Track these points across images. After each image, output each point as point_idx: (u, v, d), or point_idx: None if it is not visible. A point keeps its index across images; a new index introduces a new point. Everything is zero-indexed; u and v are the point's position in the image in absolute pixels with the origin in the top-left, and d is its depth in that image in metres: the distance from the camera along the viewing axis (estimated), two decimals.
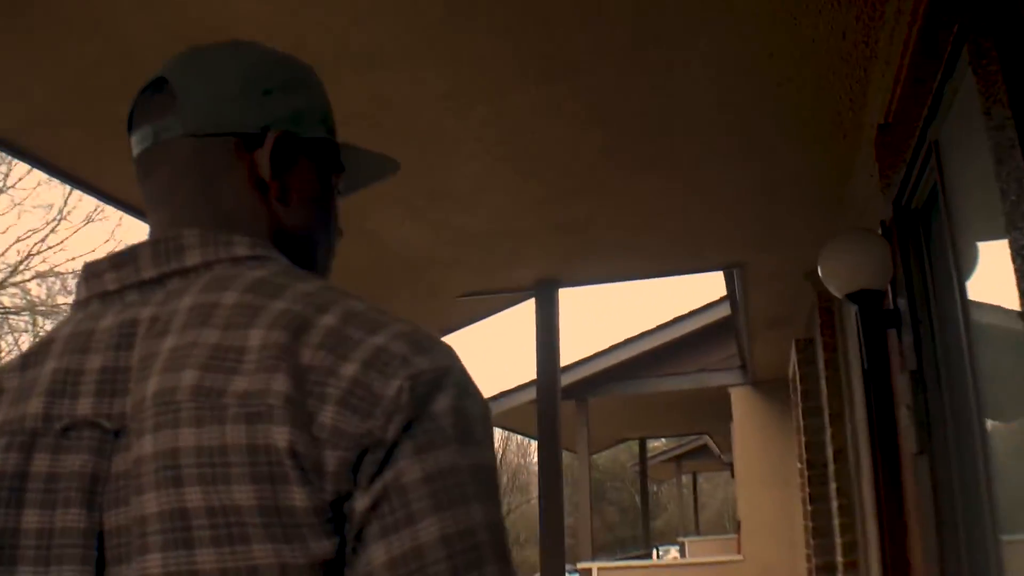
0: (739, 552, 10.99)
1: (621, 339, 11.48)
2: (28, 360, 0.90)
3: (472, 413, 0.80)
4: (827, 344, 6.01)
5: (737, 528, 11.13)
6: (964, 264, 2.76)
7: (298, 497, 0.73)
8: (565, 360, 11.70)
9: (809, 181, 4.61)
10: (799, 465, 8.32)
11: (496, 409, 11.89)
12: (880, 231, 3.75)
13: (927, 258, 3.29)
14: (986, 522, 3.02)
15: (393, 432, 0.75)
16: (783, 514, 10.26)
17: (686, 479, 27.71)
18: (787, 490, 10.28)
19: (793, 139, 4.08)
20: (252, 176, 0.96)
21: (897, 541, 4.53)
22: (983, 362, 2.73)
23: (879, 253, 3.53)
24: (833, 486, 6.09)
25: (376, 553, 0.74)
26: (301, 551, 0.73)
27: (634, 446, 19.87)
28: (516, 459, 41.86)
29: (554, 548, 5.64)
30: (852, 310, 5.35)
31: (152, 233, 0.96)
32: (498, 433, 25.23)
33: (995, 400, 2.70)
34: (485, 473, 0.78)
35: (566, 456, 13.02)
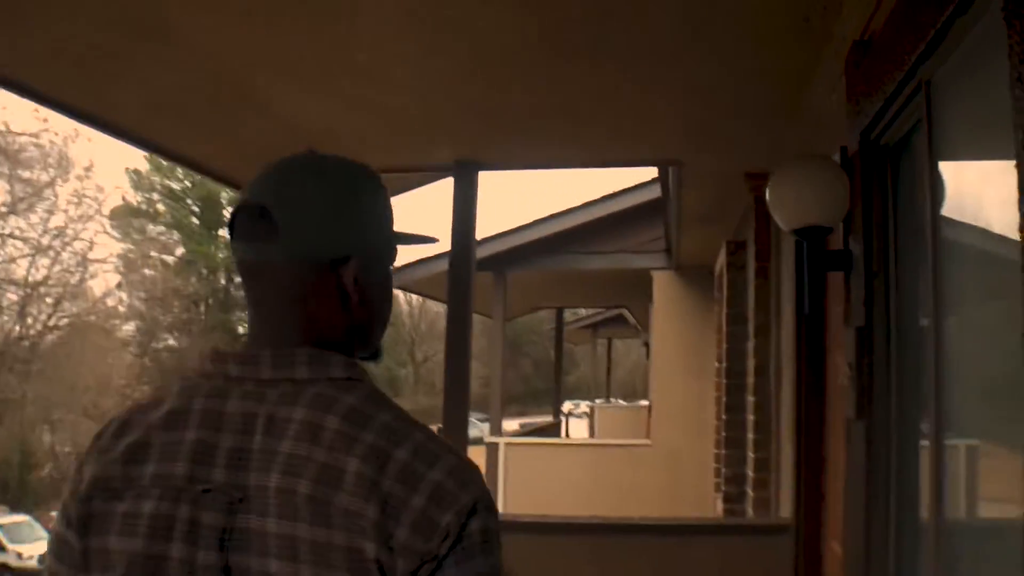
0: (648, 436, 10.94)
1: (545, 214, 11.06)
2: (170, 422, 1.18)
3: (491, 528, 1.15)
4: (760, 251, 5.67)
5: (648, 411, 11.05)
6: (943, 227, 2.36)
7: None
8: (486, 232, 11.35)
9: (761, 83, 4.14)
10: (716, 364, 8.12)
11: (411, 276, 11.48)
12: (839, 158, 3.33)
13: (892, 203, 2.89)
14: (920, 507, 2.74)
15: (444, 550, 1.10)
16: (695, 403, 10.16)
17: (601, 343, 27.94)
18: (701, 379, 10.16)
19: (749, 36, 3.59)
20: (338, 287, 1.25)
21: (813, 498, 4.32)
22: (950, 331, 2.35)
23: (838, 187, 3.12)
24: (750, 399, 5.86)
25: None
26: None
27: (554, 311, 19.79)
28: (436, 307, 41.82)
29: (457, 412, 5.43)
30: (791, 240, 5.01)
31: (255, 337, 1.25)
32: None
33: (957, 377, 2.34)
34: (498, 570, 1.13)
35: (484, 318, 12.79)
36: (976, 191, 2.27)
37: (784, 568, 4.60)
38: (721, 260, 6.60)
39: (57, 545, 1.19)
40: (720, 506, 7.04)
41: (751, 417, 5.86)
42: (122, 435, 1.19)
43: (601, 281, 12.99)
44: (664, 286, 10.69)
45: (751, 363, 5.84)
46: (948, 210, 2.34)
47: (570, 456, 10.89)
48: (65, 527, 1.17)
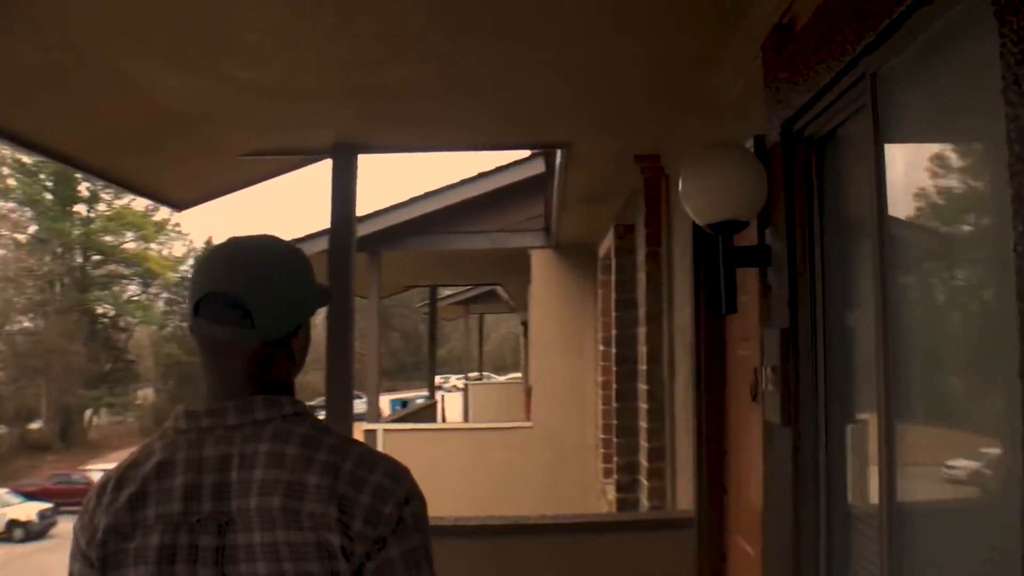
0: (528, 418, 10.82)
1: (420, 192, 10.75)
2: (161, 472, 1.46)
3: (420, 512, 1.47)
4: (651, 236, 5.53)
5: (527, 394, 10.91)
6: (889, 223, 2.20)
7: (342, 568, 1.38)
8: (359, 211, 10.92)
9: (662, 65, 3.96)
10: (602, 347, 8.01)
11: None
12: (752, 146, 3.17)
13: (818, 198, 2.74)
14: (851, 520, 2.62)
15: (387, 533, 1.41)
16: (575, 384, 10.07)
17: (473, 318, 27.79)
18: (581, 360, 10.07)
19: (651, 17, 3.39)
20: (288, 352, 1.56)
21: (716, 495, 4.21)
22: (897, 325, 2.19)
23: (756, 180, 2.96)
24: (643, 387, 5.74)
25: None
26: None
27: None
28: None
29: (341, 393, 5.16)
30: (687, 225, 4.87)
31: (217, 393, 1.52)
32: None
33: (905, 370, 2.18)
34: (426, 547, 1.47)
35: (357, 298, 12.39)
36: (925, 184, 2.12)
37: (686, 563, 4.50)
38: (608, 243, 6.46)
39: None
40: (612, 494, 6.94)
41: (644, 405, 5.74)
42: (121, 488, 1.47)
43: (477, 259, 12.76)
44: (543, 265, 10.53)
45: (643, 350, 5.72)
46: (893, 204, 2.19)
47: (450, 441, 10.67)
48: (88, 568, 1.46)
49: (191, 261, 47.29)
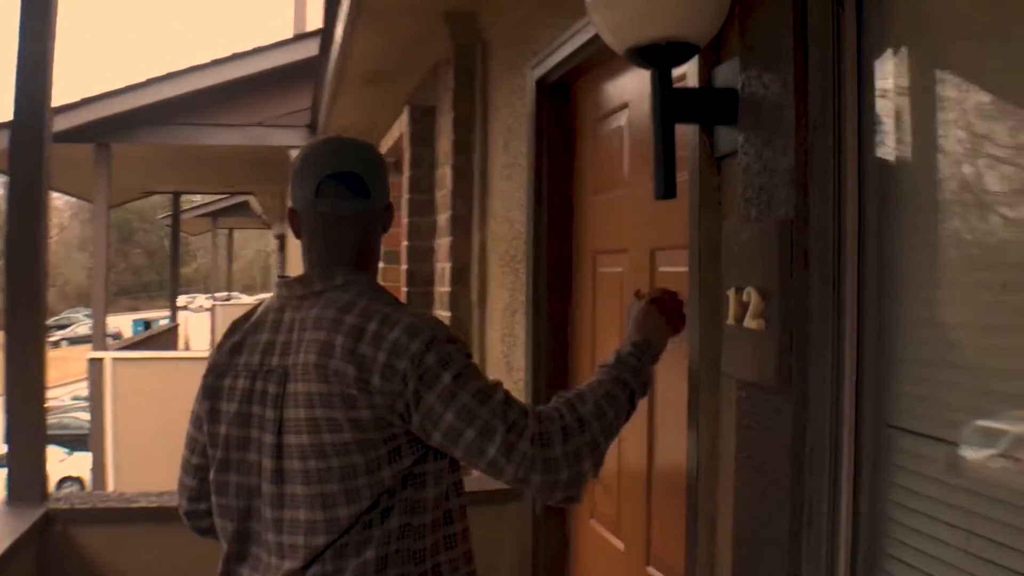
0: None
1: (161, 72, 8.90)
2: (255, 328, 1.76)
3: (445, 354, 1.62)
4: (461, 120, 4.25)
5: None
6: None
7: (364, 415, 1.60)
8: (83, 91, 9.08)
9: None
10: (382, 264, 6.65)
11: None
12: None
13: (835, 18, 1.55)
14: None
15: (413, 385, 1.59)
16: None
17: (222, 233, 25.63)
18: None
19: None
20: (383, 225, 1.87)
21: None
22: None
23: None
24: (444, 314, 4.49)
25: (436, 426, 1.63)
26: (362, 433, 1.61)
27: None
28: None
29: (28, 315, 3.57)
30: (512, 79, 3.65)
31: (314, 263, 1.79)
32: None
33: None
34: (462, 374, 1.62)
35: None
36: None
37: (504, 543, 3.35)
38: (401, 132, 5.12)
39: (192, 417, 1.84)
40: None
41: None
42: (230, 335, 1.81)
43: (228, 161, 11.04)
44: None
45: (443, 267, 4.47)
46: None
47: (193, 373, 9.00)
48: (200, 393, 1.80)
49: None
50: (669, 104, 1.83)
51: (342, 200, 1.74)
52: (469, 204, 4.27)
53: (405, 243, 4.91)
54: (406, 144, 4.87)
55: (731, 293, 1.75)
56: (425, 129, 4.83)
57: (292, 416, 1.62)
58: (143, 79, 8.84)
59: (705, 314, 2.02)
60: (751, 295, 1.67)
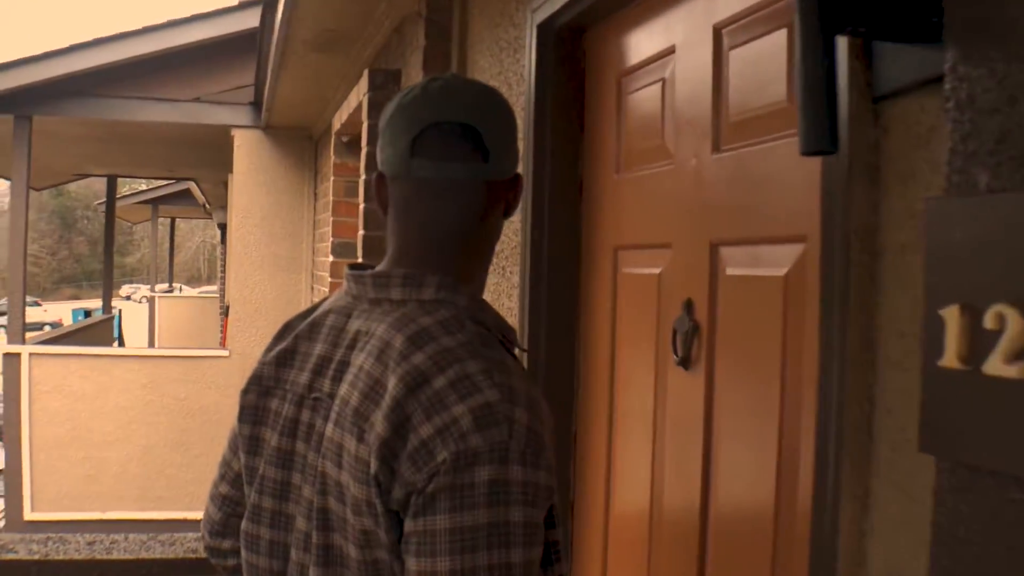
0: (224, 345, 8.52)
1: (89, 38, 7.99)
2: (310, 334, 1.29)
3: (509, 480, 1.05)
4: None
5: (224, 314, 8.59)
6: None
7: (377, 505, 1.09)
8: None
9: None
10: (331, 257, 5.86)
11: None
12: None
13: None
14: None
15: (437, 488, 1.05)
16: (288, 304, 7.91)
17: (163, 222, 24.56)
18: (296, 275, 7.92)
19: None
20: (506, 208, 1.32)
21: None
22: None
23: None
24: None
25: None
26: (373, 527, 1.10)
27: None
28: None
29: None
30: (500, 32, 2.89)
31: (399, 252, 1.28)
32: None
33: None
34: (500, 527, 1.05)
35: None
36: None
37: None
38: (357, 98, 4.35)
39: (229, 436, 1.38)
40: None
41: None
42: (283, 337, 1.34)
43: (166, 142, 10.13)
44: (249, 151, 8.21)
45: None
46: None
47: (120, 371, 8.13)
48: (236, 421, 1.33)
49: None
50: (830, 4, 1.09)
51: (448, 161, 1.25)
52: None
53: (362, 232, 4.13)
54: (364, 115, 4.10)
55: (951, 314, 1.01)
56: (388, 96, 4.05)
57: (324, 471, 1.19)
58: (67, 44, 7.91)
59: (847, 345, 1.28)
60: (1008, 319, 0.92)
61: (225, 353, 8.13)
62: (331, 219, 5.88)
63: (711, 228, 1.89)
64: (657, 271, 2.12)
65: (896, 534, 1.24)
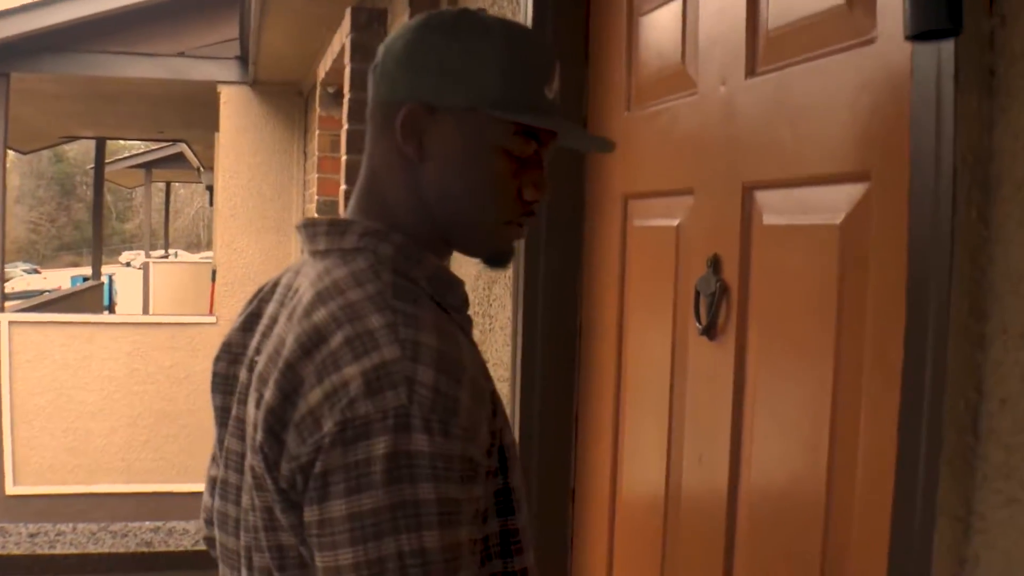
0: (211, 311, 8.20)
1: None
2: (273, 291, 1.15)
3: (409, 452, 0.87)
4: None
5: (212, 279, 8.27)
6: None
7: (267, 479, 0.95)
8: None
9: None
10: (316, 216, 5.51)
11: None
12: None
13: None
14: None
15: (320, 461, 0.89)
16: (277, 268, 7.51)
17: (159, 187, 24.17)
18: (287, 237, 7.60)
19: None
20: (411, 140, 1.06)
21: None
22: None
23: None
24: None
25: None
26: (271, 505, 0.97)
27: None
28: None
29: None
30: None
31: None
32: None
33: None
34: (403, 510, 0.87)
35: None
36: None
37: None
38: (340, 42, 3.99)
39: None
40: None
41: None
42: (250, 302, 1.21)
43: (150, 101, 9.74)
44: (236, 108, 7.83)
45: None
46: None
47: (111, 339, 7.78)
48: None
49: None
50: None
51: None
52: None
53: (343, 187, 3.79)
54: (347, 58, 3.74)
55: None
56: (372, 39, 3.69)
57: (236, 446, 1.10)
58: None
59: (948, 313, 0.94)
60: None
61: (212, 320, 7.81)
62: (316, 177, 5.52)
63: (744, 169, 1.54)
64: (675, 222, 1.77)
65: (1012, 567, 0.91)
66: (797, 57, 1.42)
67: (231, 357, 1.19)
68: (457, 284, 1.09)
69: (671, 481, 1.77)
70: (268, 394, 0.96)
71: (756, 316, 1.51)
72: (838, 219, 1.30)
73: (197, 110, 9.58)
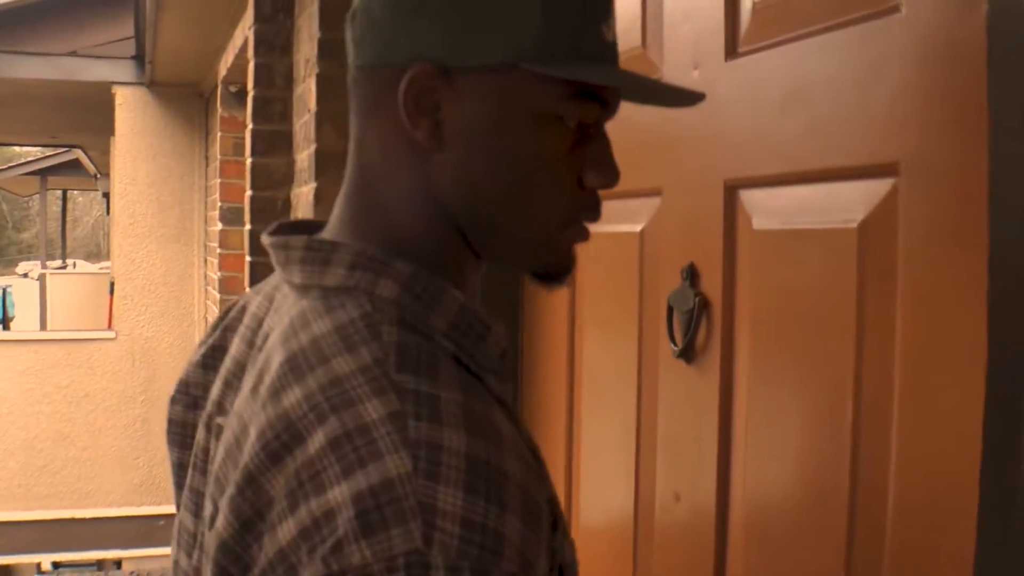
0: (110, 326, 7.76)
1: None
2: (240, 318, 0.85)
3: None
4: (331, 7, 2.87)
5: (110, 291, 7.84)
6: None
7: None
8: None
9: None
10: (220, 225, 5.19)
11: None
12: None
13: None
14: None
15: None
16: (178, 280, 7.19)
17: (55, 195, 23.29)
18: (188, 247, 7.20)
19: None
20: (399, 115, 0.74)
21: None
22: None
23: None
24: None
25: None
26: None
27: None
28: None
29: None
30: None
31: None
32: None
33: None
34: None
35: None
36: None
37: None
38: (242, 35, 3.70)
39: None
40: None
41: None
42: (213, 329, 0.89)
43: (42, 103, 9.24)
44: (132, 111, 7.41)
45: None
46: None
47: (2, 357, 7.25)
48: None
49: None
50: None
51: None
52: (344, 133, 2.89)
53: (249, 193, 3.48)
54: (251, 52, 3.44)
55: None
56: (278, 30, 3.39)
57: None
58: None
59: None
60: None
61: (111, 335, 7.38)
62: (219, 182, 5.19)
63: (725, 166, 1.32)
64: (639, 228, 1.54)
65: None
66: (792, 33, 1.20)
67: (189, 401, 0.89)
68: (492, 329, 0.76)
69: (640, 523, 1.54)
70: (221, 517, 0.68)
71: (746, 335, 1.28)
72: (855, 220, 1.08)
73: (91, 113, 9.13)
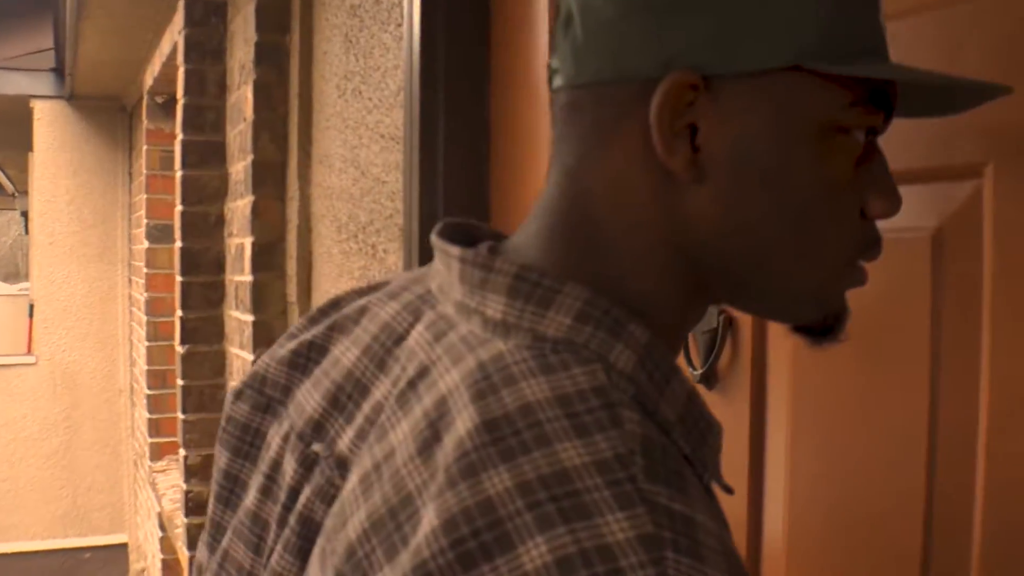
0: (30, 350, 7.43)
1: None
2: (358, 321, 0.68)
3: None
4: (267, 9, 2.69)
5: (30, 314, 7.54)
6: None
7: None
8: None
9: None
10: (147, 243, 4.93)
11: None
12: None
13: None
14: None
15: None
16: (102, 301, 6.92)
17: None
18: (112, 266, 6.94)
19: None
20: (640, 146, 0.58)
21: None
22: None
23: None
24: (237, 315, 2.91)
25: None
26: None
27: None
28: None
29: None
30: None
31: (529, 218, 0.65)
32: None
33: None
34: None
35: None
36: None
37: None
38: (171, 42, 3.49)
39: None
40: (175, 482, 4.06)
41: (240, 352, 2.91)
42: (313, 322, 0.71)
43: None
44: (52, 125, 7.13)
45: (242, 244, 2.88)
46: None
47: None
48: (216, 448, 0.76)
49: None
50: None
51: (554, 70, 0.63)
52: (283, 143, 2.71)
53: (179, 208, 3.27)
54: (181, 59, 3.23)
55: None
56: (210, 34, 3.19)
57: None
58: None
59: None
60: None
61: (31, 359, 7.07)
62: (145, 198, 4.95)
63: None
64: None
65: None
66: None
67: (261, 402, 0.72)
68: (713, 426, 0.60)
69: None
70: (368, 546, 0.53)
71: (784, 360, 1.13)
72: (929, 228, 0.94)
73: (8, 128, 8.80)
